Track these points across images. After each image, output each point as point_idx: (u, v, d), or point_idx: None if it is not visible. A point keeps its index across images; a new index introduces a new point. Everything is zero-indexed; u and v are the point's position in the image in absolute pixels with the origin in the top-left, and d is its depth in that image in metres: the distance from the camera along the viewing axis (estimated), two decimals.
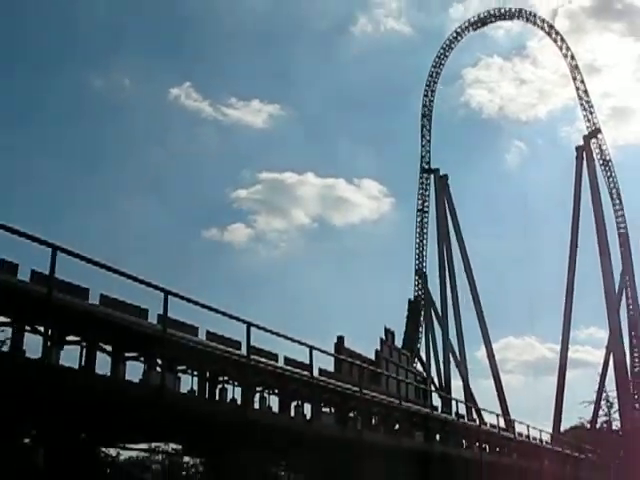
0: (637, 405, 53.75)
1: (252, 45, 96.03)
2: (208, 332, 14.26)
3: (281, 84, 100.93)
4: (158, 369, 12.88)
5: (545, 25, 60.74)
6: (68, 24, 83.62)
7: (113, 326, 11.94)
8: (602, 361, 55.83)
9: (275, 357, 16.12)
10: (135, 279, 11.85)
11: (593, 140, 58.13)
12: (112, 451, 17.89)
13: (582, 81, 58.73)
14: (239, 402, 14.83)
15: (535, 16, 61.19)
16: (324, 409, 18.40)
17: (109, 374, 12.22)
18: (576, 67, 58.99)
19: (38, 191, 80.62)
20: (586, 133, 58.58)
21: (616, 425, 53.02)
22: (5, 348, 11.93)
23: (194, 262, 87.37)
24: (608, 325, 54.97)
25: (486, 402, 64.76)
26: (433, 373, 54.82)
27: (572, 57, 59.19)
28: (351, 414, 19.40)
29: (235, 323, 14.12)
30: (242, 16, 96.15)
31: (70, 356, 11.84)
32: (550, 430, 44.26)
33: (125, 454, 26.92)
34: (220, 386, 15.05)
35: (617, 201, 57.27)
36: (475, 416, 36.80)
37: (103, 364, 12.29)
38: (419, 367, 51.15)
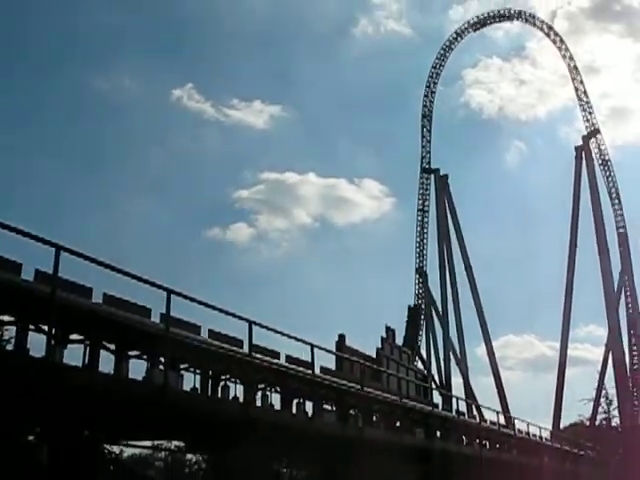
0: (636, 402, 53.70)
1: (254, 47, 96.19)
2: (210, 330, 14.27)
3: (282, 85, 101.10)
4: (161, 367, 12.89)
5: (544, 26, 60.75)
6: (71, 25, 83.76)
7: (116, 325, 11.94)
8: (601, 359, 55.86)
9: (277, 355, 16.13)
10: (138, 278, 11.85)
11: (592, 140, 58.06)
12: (115, 448, 17.87)
13: (581, 82, 58.76)
14: (241, 400, 14.83)
15: (534, 17, 61.26)
16: (325, 406, 18.40)
17: (112, 372, 12.22)
18: (575, 68, 59.00)
19: (41, 191, 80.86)
20: (585, 133, 58.53)
21: (615, 422, 53.14)
22: (9, 347, 11.95)
23: (197, 261, 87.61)
24: (607, 323, 54.95)
25: (486, 399, 64.88)
26: (434, 371, 54.85)
27: (571, 58, 59.20)
28: (352, 411, 19.39)
29: (237, 321, 14.13)
30: (244, 18, 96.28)
31: (74, 355, 11.85)
32: (550, 427, 44.19)
33: (128, 451, 27.01)
34: (222, 384, 15.06)
35: (616, 201, 57.23)
36: (475, 413, 36.79)
37: (106, 362, 12.31)
38: (420, 365, 51.12)
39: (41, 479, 12.21)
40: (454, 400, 29.19)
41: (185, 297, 12.72)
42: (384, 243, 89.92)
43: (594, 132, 58.00)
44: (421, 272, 59.23)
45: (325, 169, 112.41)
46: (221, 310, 13.56)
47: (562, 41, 59.59)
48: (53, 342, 10.66)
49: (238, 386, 15.20)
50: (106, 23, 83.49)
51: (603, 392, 54.67)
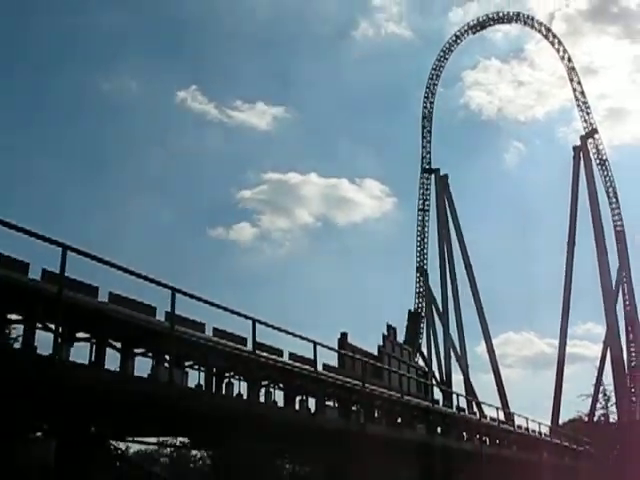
0: (634, 398, 53.68)
1: (257, 49, 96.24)
2: (215, 328, 14.27)
3: (285, 87, 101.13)
4: (166, 365, 12.89)
5: (542, 28, 60.74)
6: (75, 26, 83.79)
7: (122, 323, 11.94)
8: (599, 355, 55.85)
9: (280, 353, 16.12)
10: (143, 277, 11.86)
11: (590, 140, 58.04)
12: (121, 445, 17.88)
13: (579, 83, 58.71)
14: (245, 397, 14.84)
15: (533, 19, 61.23)
16: (328, 403, 18.40)
17: (118, 370, 12.23)
18: (573, 69, 58.96)
19: (46, 191, 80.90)
20: (583, 133, 58.53)
21: (613, 418, 53.07)
22: (17, 345, 11.96)
23: (201, 260, 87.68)
24: (605, 320, 54.93)
25: (486, 396, 64.92)
26: (434, 367, 54.84)
27: (569, 59, 59.17)
28: (354, 408, 19.38)
29: (241, 319, 14.14)
30: (247, 21, 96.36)
31: (80, 353, 11.87)
32: (549, 423, 44.26)
33: (134, 447, 27.05)
34: (226, 381, 15.05)
35: (614, 199, 57.22)
36: (475, 409, 36.73)
37: (112, 360, 12.32)
38: (421, 362, 51.15)
39: (49, 475, 12.22)
40: (454, 397, 29.27)
41: (190, 296, 12.74)
42: (385, 242, 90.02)
43: (592, 132, 57.97)
44: (422, 271, 59.20)
45: (327, 169, 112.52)
46: (225, 308, 13.57)
47: (560, 43, 59.67)
48: (60, 340, 10.67)
49: (242, 383, 15.22)
50: (111, 25, 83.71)
51: (601, 388, 54.62)
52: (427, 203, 60.30)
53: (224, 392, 14.81)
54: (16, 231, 9.81)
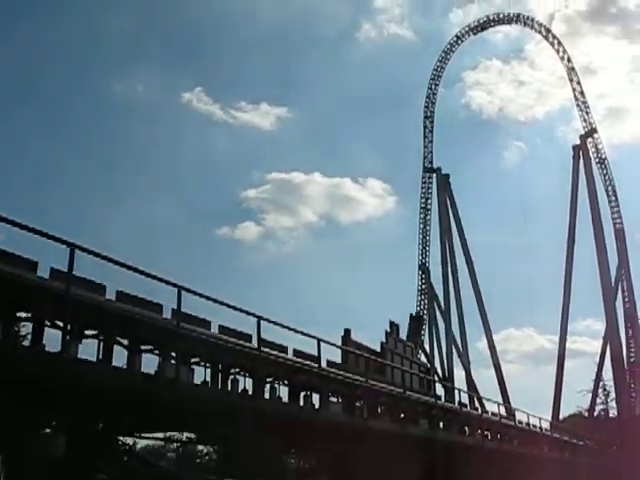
0: (633, 394, 53.59)
1: (260, 51, 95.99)
2: (220, 326, 14.27)
3: (288, 88, 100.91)
4: (172, 362, 12.90)
5: (542, 29, 60.58)
6: (88, 32, 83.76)
7: (129, 321, 11.96)
8: (599, 351, 55.82)
9: (284, 349, 16.12)
10: (150, 276, 11.88)
11: (589, 139, 57.93)
12: (129, 440, 17.90)
13: (578, 82, 58.56)
14: (250, 393, 14.84)
15: (533, 20, 61.06)
16: (332, 399, 18.39)
17: (125, 366, 12.24)
18: (572, 69, 58.81)
19: (57, 190, 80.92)
20: (582, 132, 58.39)
21: (613, 413, 53.12)
22: (26, 342, 11.98)
23: (207, 259, 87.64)
24: (605, 317, 54.87)
25: (487, 391, 64.72)
26: (436, 364, 54.71)
27: (568, 59, 59.02)
28: (358, 403, 19.38)
29: (246, 317, 14.16)
30: (250, 24, 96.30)
31: (88, 350, 11.88)
32: (549, 418, 44.16)
33: (142, 443, 27.06)
34: (232, 377, 15.04)
35: (613, 197, 57.11)
36: (477, 405, 36.70)
37: (120, 357, 12.34)
38: (423, 358, 51.09)
39: (57, 471, 12.23)
40: (456, 392, 29.14)
41: (195, 293, 12.76)
42: (388, 240, 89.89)
43: (591, 131, 57.86)
44: (424, 268, 59.14)
45: (330, 169, 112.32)
46: (230, 306, 13.58)
47: (560, 43, 59.51)
48: (68, 337, 10.69)
49: (247, 379, 15.20)
50: (118, 28, 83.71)
51: (601, 384, 54.74)
52: (429, 202, 60.28)
53: (230, 388, 14.82)
54: (27, 231, 9.85)
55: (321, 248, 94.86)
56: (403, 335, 39.13)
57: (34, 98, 79.93)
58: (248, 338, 14.70)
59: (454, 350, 55.89)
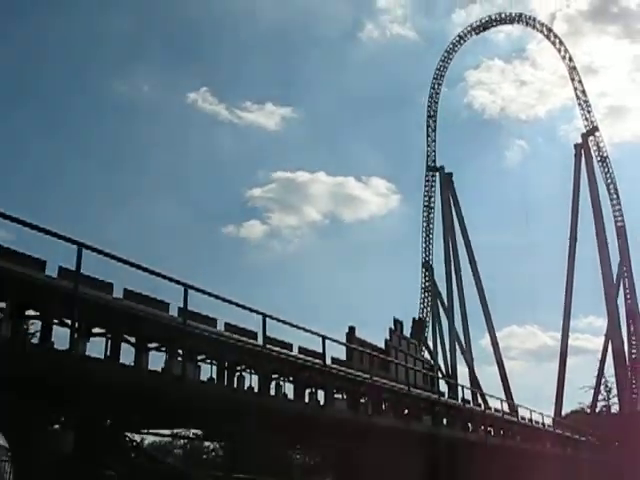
0: (635, 390, 53.49)
1: (265, 51, 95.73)
2: (226, 323, 14.29)
3: (293, 88, 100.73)
4: (179, 359, 12.92)
5: (544, 29, 60.37)
6: (92, 31, 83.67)
7: (136, 319, 11.98)
8: (601, 348, 55.64)
9: (290, 346, 16.14)
10: (157, 274, 11.89)
11: (591, 138, 57.75)
12: (137, 436, 17.94)
13: (580, 81, 58.38)
14: (256, 389, 14.86)
15: (534, 20, 60.86)
16: (336, 395, 18.41)
17: (133, 364, 12.26)
18: (574, 68, 58.62)
19: (66, 190, 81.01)
20: (584, 131, 58.16)
21: (615, 409, 53.00)
22: (35, 340, 12.01)
23: (212, 257, 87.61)
24: (606, 313, 54.74)
25: (490, 388, 64.41)
26: (440, 361, 54.64)
27: (570, 59, 58.84)
28: (362, 400, 19.39)
29: (251, 315, 14.16)
30: (255, 24, 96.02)
31: (96, 347, 11.90)
32: (552, 414, 44.09)
33: (149, 439, 27.12)
34: (238, 374, 15.08)
35: (614, 195, 56.94)
36: (480, 401, 36.73)
37: (127, 354, 12.36)
38: (426, 355, 51.02)
39: (66, 467, 12.26)
40: (460, 389, 29.23)
41: (201, 292, 12.76)
42: (391, 238, 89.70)
43: (593, 130, 57.70)
44: (427, 266, 59.09)
45: (334, 168, 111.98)
46: (236, 304, 13.59)
47: (561, 43, 59.32)
48: (76, 335, 10.71)
49: (253, 376, 15.23)
50: (124, 29, 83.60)
51: (603, 380, 54.66)
52: (432, 200, 60.15)
53: (236, 385, 14.84)
54: (37, 231, 9.88)
55: (325, 246, 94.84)
56: (407, 331, 39.11)
57: (36, 98, 79.81)
58: (253, 336, 14.72)
59: (457, 347, 55.84)
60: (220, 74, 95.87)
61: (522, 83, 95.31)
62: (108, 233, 59.45)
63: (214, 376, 14.38)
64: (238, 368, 15.21)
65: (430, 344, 57.09)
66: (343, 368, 18.16)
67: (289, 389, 16.53)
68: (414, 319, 54.73)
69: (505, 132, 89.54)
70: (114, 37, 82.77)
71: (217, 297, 13.13)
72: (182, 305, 12.52)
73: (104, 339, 12.22)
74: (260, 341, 14.49)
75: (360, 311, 67.21)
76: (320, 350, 16.48)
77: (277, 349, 15.24)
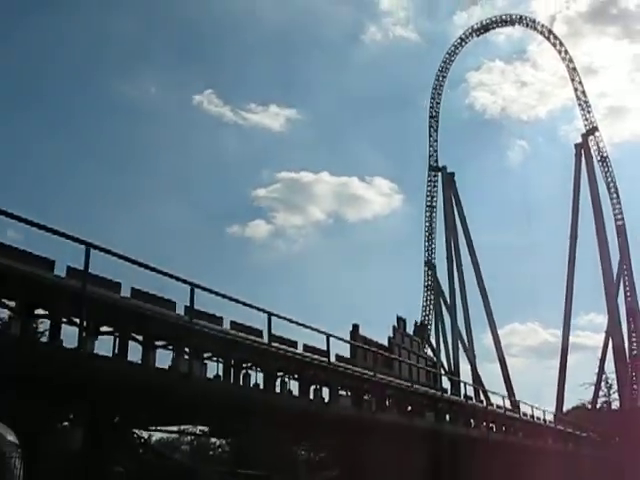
0: (635, 386, 53.40)
1: (269, 54, 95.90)
2: (232, 322, 14.30)
3: (297, 90, 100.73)
4: (186, 357, 12.92)
5: (544, 30, 60.34)
6: (99, 35, 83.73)
7: (143, 317, 11.98)
8: (602, 345, 55.60)
9: (294, 344, 16.14)
10: (163, 273, 11.89)
11: (591, 138, 57.69)
12: (144, 433, 17.95)
13: (580, 82, 58.32)
14: (261, 387, 14.86)
15: (535, 22, 60.83)
16: (341, 392, 18.40)
17: (140, 362, 12.27)
18: (574, 69, 58.57)
19: (72, 191, 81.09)
20: (584, 131, 58.11)
21: (615, 405, 52.93)
22: (44, 338, 12.02)
23: (218, 256, 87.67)
24: (607, 311, 54.67)
25: (493, 384, 64.40)
26: (442, 358, 54.68)
27: (570, 60, 58.78)
28: (366, 397, 19.38)
29: (257, 313, 14.16)
30: (259, 27, 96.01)
31: (104, 345, 11.91)
32: (553, 410, 44.02)
33: (156, 436, 27.13)
34: (244, 372, 15.07)
35: (614, 194, 56.85)
36: (482, 398, 36.68)
37: (135, 352, 12.37)
38: (429, 352, 51.02)
39: (75, 463, 12.29)
40: (462, 385, 29.17)
41: (207, 290, 12.76)
42: (394, 238, 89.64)
43: (593, 130, 57.63)
44: (430, 264, 59.08)
45: (338, 168, 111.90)
46: (242, 302, 13.59)
47: (561, 44, 59.28)
48: (85, 334, 10.72)
49: (258, 374, 15.23)
50: (131, 32, 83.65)
51: (604, 377, 54.60)
52: (434, 200, 60.17)
53: (241, 383, 14.84)
54: (45, 231, 9.89)
55: (329, 246, 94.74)
56: (410, 329, 39.11)
57: (42, 99, 79.88)
58: (259, 334, 14.72)
59: (460, 344, 55.82)
60: (225, 76, 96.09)
61: (523, 84, 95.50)
62: (114, 233, 59.47)
63: (220, 373, 14.39)
64: (244, 366, 15.21)
65: (433, 341, 57.11)
66: (347, 365, 18.15)
67: (294, 386, 16.54)
68: (416, 323, 54.73)
69: (506, 132, 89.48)
70: (120, 40, 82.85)
71: (223, 296, 13.13)
72: (189, 304, 12.53)
73: (112, 337, 12.23)
74: (265, 339, 14.50)
75: (364, 309, 67.24)
76: (325, 348, 16.47)
77: (282, 347, 15.24)
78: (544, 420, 32.69)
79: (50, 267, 10.84)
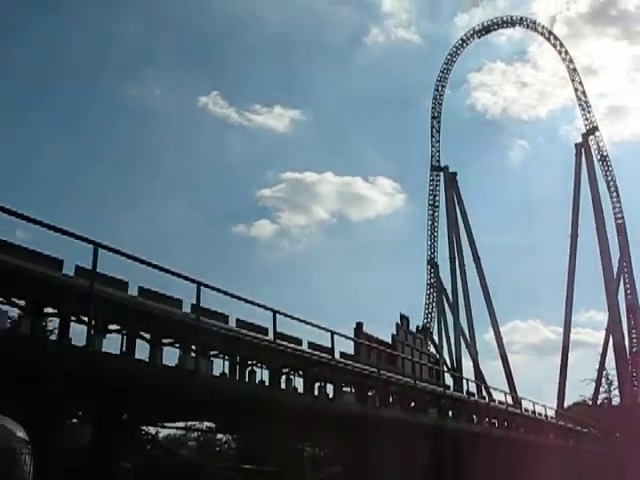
0: (635, 382, 53.31)
1: (274, 56, 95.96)
2: (238, 320, 14.30)
3: (301, 91, 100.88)
4: (192, 354, 12.93)
5: (545, 31, 60.18)
6: (106, 38, 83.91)
7: (151, 315, 12.00)
8: (602, 342, 55.46)
9: (299, 342, 16.14)
10: (170, 272, 11.90)
11: (591, 137, 57.56)
12: (152, 429, 18.00)
13: (580, 82, 58.16)
14: (267, 384, 14.86)
15: (535, 23, 60.63)
16: (345, 389, 18.40)
17: (148, 359, 12.28)
18: (574, 70, 58.40)
19: (79, 193, 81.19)
20: (584, 131, 57.96)
21: (616, 401, 52.80)
22: (53, 337, 12.05)
23: (223, 256, 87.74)
24: (607, 308, 54.58)
25: (494, 381, 64.63)
26: (445, 355, 54.56)
27: (570, 60, 58.62)
28: (370, 393, 19.37)
29: (262, 311, 14.16)
30: (263, 29, 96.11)
31: (112, 343, 11.92)
32: (554, 406, 43.97)
33: (164, 432, 27.19)
34: (249, 369, 15.07)
35: (614, 193, 56.71)
36: (484, 394, 36.60)
37: (142, 350, 12.38)
38: (432, 349, 50.95)
39: (83, 458, 12.31)
40: (464, 382, 29.05)
41: (214, 289, 12.77)
42: (397, 236, 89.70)
43: (593, 130, 57.50)
44: (432, 263, 59.04)
45: (341, 168, 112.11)
46: (247, 301, 13.59)
47: (562, 45, 59.12)
48: (93, 332, 10.73)
49: (264, 371, 15.23)
50: (137, 35, 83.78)
51: (604, 373, 54.44)
52: (437, 199, 60.09)
53: (247, 379, 14.85)
54: (54, 231, 9.90)
55: (333, 245, 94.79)
56: (413, 326, 39.03)
57: (50, 102, 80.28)
58: (264, 331, 14.72)
59: (462, 341, 55.75)
60: (230, 78, 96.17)
61: (523, 84, 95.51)
62: (121, 234, 59.65)
63: (226, 371, 14.40)
64: (249, 363, 15.21)
65: (436, 338, 57.06)
66: (351, 362, 18.14)
67: (299, 383, 16.56)
68: (418, 327, 54.63)
69: (507, 132, 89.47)
70: (125, 42, 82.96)
71: (229, 294, 13.14)
72: (195, 302, 12.54)
73: (120, 335, 12.25)
74: (271, 336, 14.50)
75: (367, 308, 67.17)
76: (329, 345, 16.47)
77: (287, 344, 15.24)
78: (545, 416, 32.64)
79: (59, 267, 10.85)
